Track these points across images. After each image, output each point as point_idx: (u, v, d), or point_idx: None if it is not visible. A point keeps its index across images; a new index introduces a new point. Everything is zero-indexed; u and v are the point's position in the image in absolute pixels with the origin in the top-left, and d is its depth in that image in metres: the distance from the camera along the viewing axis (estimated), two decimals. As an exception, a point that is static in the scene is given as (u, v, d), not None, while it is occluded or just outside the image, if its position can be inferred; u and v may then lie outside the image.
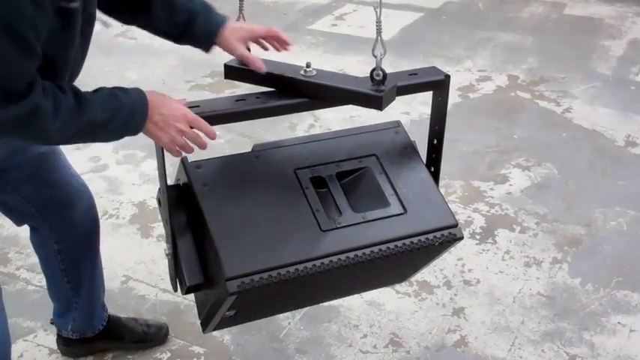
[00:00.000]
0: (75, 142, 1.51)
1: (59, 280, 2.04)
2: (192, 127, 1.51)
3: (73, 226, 1.94)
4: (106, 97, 1.45)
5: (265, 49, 1.75)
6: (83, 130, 1.41)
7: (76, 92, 1.42)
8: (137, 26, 1.72)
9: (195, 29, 1.67)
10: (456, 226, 1.64)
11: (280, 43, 1.74)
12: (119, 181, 3.20)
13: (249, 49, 1.69)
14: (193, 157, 1.62)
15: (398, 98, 1.65)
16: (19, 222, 1.95)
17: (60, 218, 1.92)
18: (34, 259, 2.09)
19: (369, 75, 1.58)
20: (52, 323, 2.20)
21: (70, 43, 1.45)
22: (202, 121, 1.51)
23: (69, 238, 1.97)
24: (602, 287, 2.56)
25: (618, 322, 2.40)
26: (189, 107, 1.53)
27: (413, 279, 2.55)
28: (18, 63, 1.30)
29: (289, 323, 2.37)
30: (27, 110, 1.32)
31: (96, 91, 1.47)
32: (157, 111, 1.47)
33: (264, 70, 1.63)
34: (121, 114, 1.44)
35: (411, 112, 3.75)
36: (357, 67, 4.25)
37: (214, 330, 1.74)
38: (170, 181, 1.63)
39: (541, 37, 4.92)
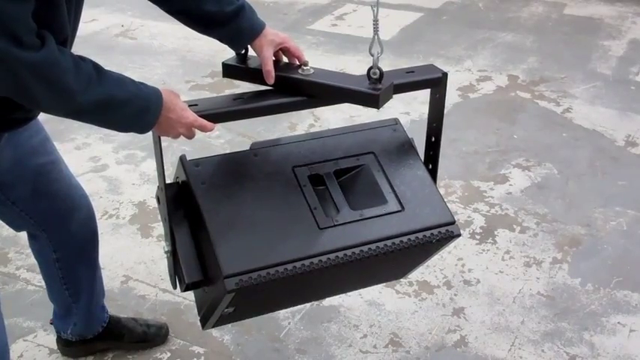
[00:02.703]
0: (92, 118, 1.43)
1: (58, 286, 2.05)
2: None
3: (70, 236, 1.94)
4: (125, 79, 1.44)
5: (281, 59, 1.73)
6: (101, 103, 1.38)
7: (95, 63, 1.41)
8: (169, 9, 1.65)
9: (243, 23, 1.65)
10: (453, 223, 1.64)
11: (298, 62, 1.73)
12: (119, 181, 3.20)
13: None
14: (192, 155, 1.63)
15: (398, 97, 1.65)
16: (17, 229, 1.96)
17: (57, 229, 1.91)
18: (34, 259, 2.09)
19: (365, 73, 1.58)
20: (51, 323, 2.20)
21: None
22: (205, 123, 1.51)
23: (67, 248, 1.97)
24: (602, 287, 2.56)
25: (618, 322, 2.40)
26: (189, 106, 1.52)
27: (413, 279, 2.55)
28: (7, 5, 1.23)
29: (289, 323, 2.37)
30: (43, 58, 1.29)
31: None
32: (165, 113, 1.47)
33: (271, 82, 1.62)
34: (137, 101, 1.43)
35: (411, 112, 3.75)
36: (357, 66, 4.25)
37: (214, 327, 1.75)
38: (169, 180, 1.63)
39: (541, 37, 4.92)
